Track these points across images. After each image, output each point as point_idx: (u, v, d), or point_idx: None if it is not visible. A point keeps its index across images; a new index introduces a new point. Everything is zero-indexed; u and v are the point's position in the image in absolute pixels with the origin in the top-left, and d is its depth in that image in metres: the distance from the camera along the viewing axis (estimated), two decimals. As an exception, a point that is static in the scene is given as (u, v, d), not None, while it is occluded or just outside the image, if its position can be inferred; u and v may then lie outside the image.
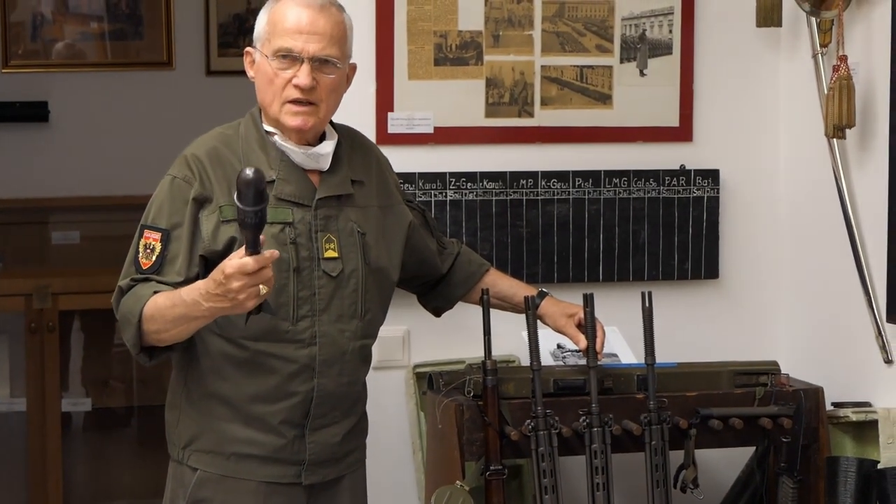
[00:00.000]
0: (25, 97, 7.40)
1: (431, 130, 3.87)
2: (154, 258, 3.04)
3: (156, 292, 2.99)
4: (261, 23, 3.13)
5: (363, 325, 3.20)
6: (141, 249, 3.07)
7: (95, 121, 7.43)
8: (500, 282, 3.53)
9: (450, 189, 3.86)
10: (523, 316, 3.41)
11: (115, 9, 7.49)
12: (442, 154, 3.89)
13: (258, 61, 3.13)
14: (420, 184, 3.84)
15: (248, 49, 3.17)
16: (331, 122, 3.22)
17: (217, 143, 3.14)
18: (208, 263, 3.05)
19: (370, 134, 3.79)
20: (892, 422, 3.52)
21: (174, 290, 2.98)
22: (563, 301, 3.51)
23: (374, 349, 3.80)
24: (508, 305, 3.52)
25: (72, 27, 7.47)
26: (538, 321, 3.42)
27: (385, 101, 3.83)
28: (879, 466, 3.47)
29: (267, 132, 3.14)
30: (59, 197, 7.30)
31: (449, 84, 3.87)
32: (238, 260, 2.78)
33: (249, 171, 2.74)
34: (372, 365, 3.82)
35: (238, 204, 2.76)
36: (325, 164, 3.16)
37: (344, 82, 3.17)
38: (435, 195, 3.85)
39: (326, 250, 3.12)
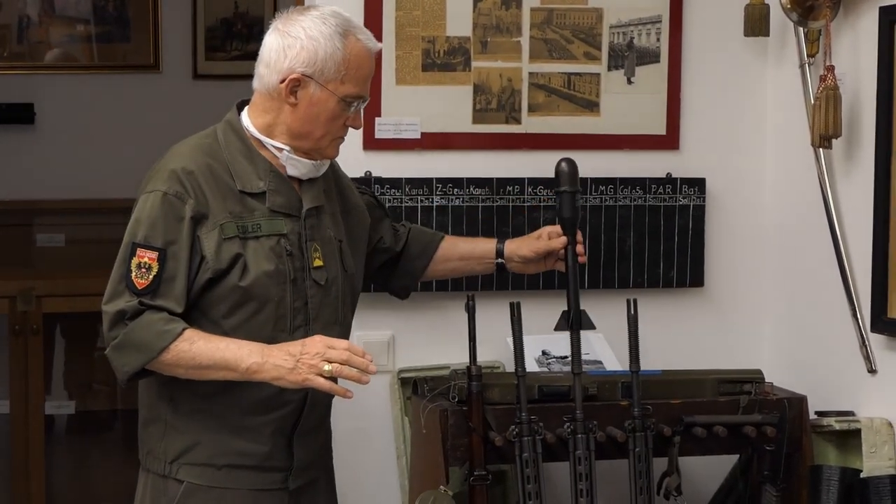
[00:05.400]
0: (11, 99, 7.40)
1: (418, 136, 3.87)
2: (151, 278, 2.99)
3: (184, 329, 2.98)
4: (331, 56, 3.05)
5: (342, 330, 3.20)
6: (134, 269, 3.01)
7: (81, 123, 7.43)
8: (459, 244, 3.56)
9: (436, 195, 3.86)
10: (509, 322, 3.41)
11: (101, 11, 7.49)
12: (429, 160, 3.89)
13: (315, 94, 3.06)
14: (407, 189, 3.84)
15: (299, 77, 3.05)
16: None
17: (203, 156, 3.08)
18: (211, 283, 3.04)
19: (357, 139, 3.80)
20: (875, 431, 3.53)
21: (209, 334, 3.00)
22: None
23: (360, 354, 3.80)
24: (475, 261, 3.52)
25: (58, 29, 7.47)
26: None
27: (372, 107, 3.82)
28: (862, 475, 3.48)
29: (258, 141, 3.12)
30: (44, 199, 7.30)
31: (436, 90, 3.87)
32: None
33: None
34: (357, 369, 3.83)
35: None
36: (323, 171, 3.19)
37: None
38: (421, 201, 3.85)
39: (314, 259, 3.12)
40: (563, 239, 3.44)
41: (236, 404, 3.09)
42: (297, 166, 3.12)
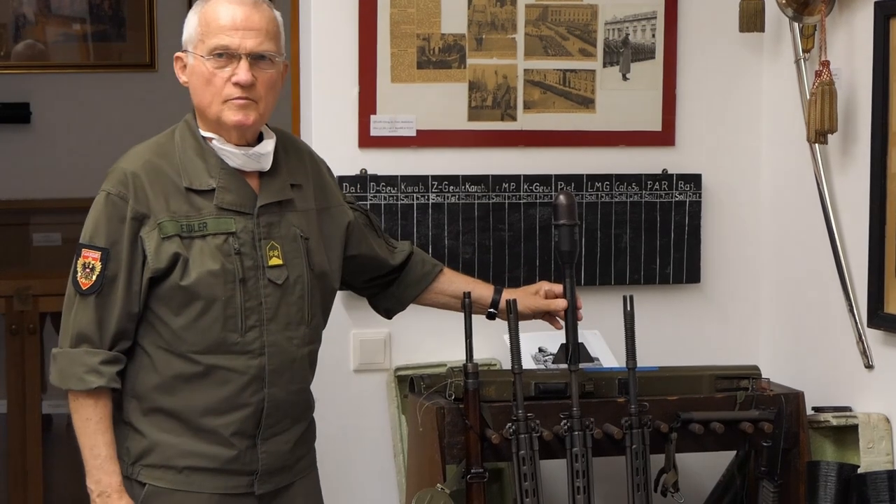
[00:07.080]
0: (7, 98, 7.38)
1: (414, 133, 3.87)
2: (94, 278, 3.01)
3: (99, 388, 3.01)
4: (191, 25, 3.09)
5: (310, 332, 3.16)
6: (80, 269, 3.03)
7: (77, 122, 7.41)
8: (456, 281, 3.48)
9: (432, 192, 3.86)
10: (505, 319, 3.41)
11: (97, 10, 7.48)
12: (424, 157, 3.88)
13: (191, 64, 3.08)
14: (402, 186, 3.84)
15: (178, 54, 3.11)
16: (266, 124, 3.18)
17: (152, 156, 3.09)
18: (153, 283, 3.03)
19: (353, 137, 3.80)
20: (873, 426, 3.53)
21: (108, 430, 3.04)
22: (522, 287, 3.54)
23: (356, 352, 3.82)
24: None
25: (54, 28, 7.46)
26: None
27: (368, 104, 3.83)
28: (859, 471, 3.48)
29: (205, 138, 3.09)
30: (40, 199, 7.28)
31: (432, 87, 3.87)
32: None
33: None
34: (353, 368, 3.84)
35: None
36: (267, 164, 3.12)
37: (280, 79, 3.12)
38: (417, 198, 3.85)
39: (271, 258, 3.08)
40: (563, 302, 3.42)
41: (193, 406, 3.06)
42: (230, 157, 3.08)
